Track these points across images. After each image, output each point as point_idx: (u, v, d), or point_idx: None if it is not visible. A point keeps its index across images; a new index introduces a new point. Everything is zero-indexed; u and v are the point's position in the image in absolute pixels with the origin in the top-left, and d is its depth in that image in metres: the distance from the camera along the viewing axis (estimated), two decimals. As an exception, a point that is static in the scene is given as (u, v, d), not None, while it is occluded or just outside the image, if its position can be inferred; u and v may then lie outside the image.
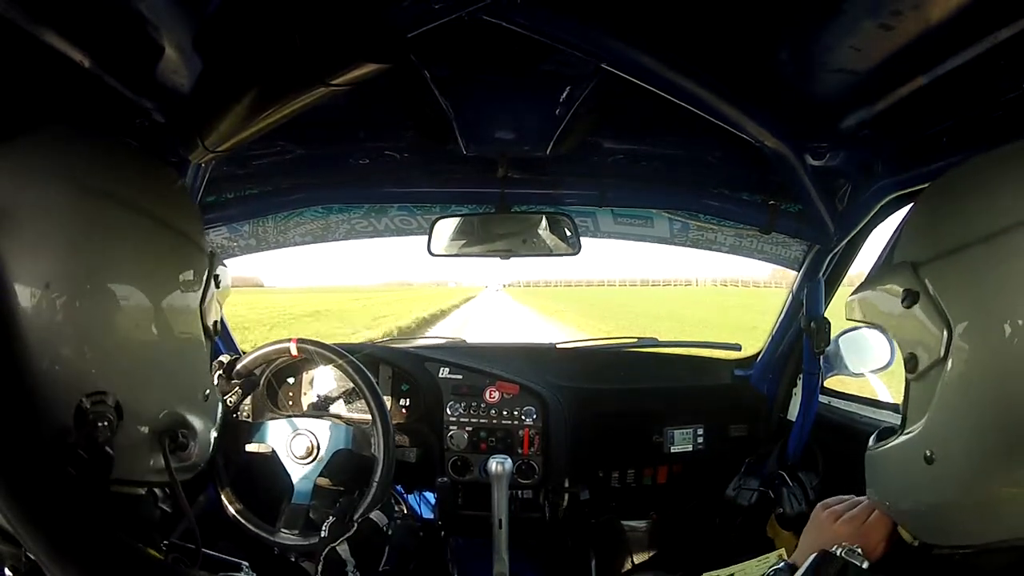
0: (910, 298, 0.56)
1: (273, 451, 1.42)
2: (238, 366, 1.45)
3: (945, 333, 0.53)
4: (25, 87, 0.70)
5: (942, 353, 0.54)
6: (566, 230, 1.54)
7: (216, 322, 0.69)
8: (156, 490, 0.65)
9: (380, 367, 1.69)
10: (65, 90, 0.75)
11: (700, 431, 1.74)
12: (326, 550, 1.22)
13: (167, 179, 0.68)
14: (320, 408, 1.65)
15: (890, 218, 1.22)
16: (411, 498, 1.73)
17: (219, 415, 0.73)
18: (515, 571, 1.52)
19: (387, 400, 1.63)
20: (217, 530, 1.41)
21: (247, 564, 0.76)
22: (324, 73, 0.65)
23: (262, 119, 0.75)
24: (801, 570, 0.65)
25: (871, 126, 1.01)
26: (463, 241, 1.56)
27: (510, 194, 1.53)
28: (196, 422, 0.66)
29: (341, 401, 1.66)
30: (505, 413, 1.68)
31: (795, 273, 1.65)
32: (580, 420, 1.69)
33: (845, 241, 1.34)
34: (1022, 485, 0.52)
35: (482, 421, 1.68)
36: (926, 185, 0.63)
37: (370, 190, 1.59)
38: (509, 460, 1.52)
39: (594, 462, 1.73)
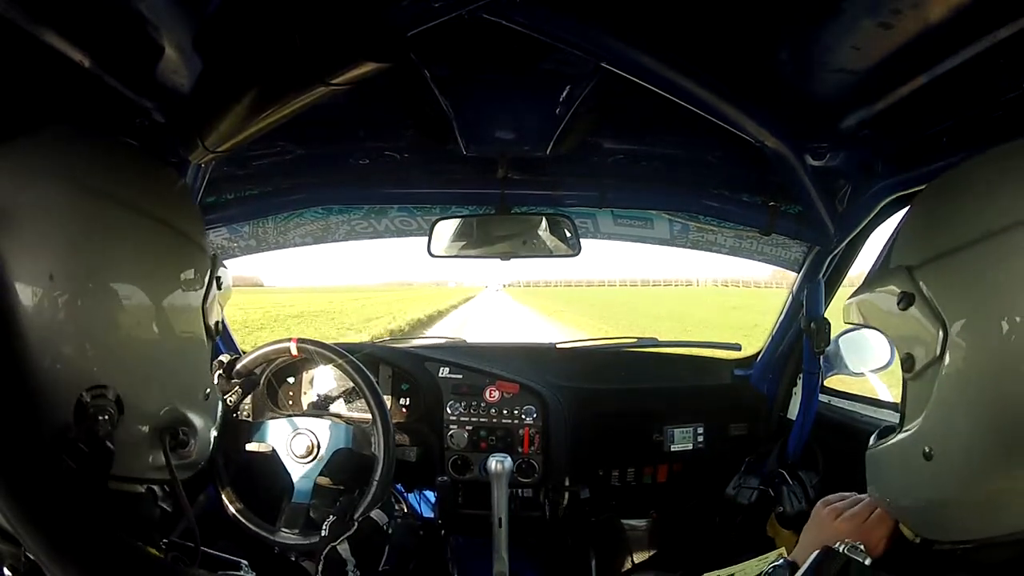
0: (906, 300, 0.57)
1: (273, 450, 1.43)
2: (238, 365, 1.45)
3: (941, 333, 0.54)
4: (25, 87, 0.70)
5: (938, 352, 0.55)
6: (566, 231, 1.54)
7: (218, 323, 0.69)
8: (156, 489, 0.65)
9: (380, 367, 1.70)
10: (65, 90, 0.75)
11: (700, 430, 1.74)
12: (327, 549, 1.22)
13: (167, 179, 0.69)
14: (320, 407, 1.65)
15: (890, 219, 1.22)
16: (411, 497, 1.73)
17: (219, 415, 0.74)
18: (515, 570, 1.52)
19: (387, 399, 1.63)
20: (217, 529, 1.41)
21: (246, 563, 0.76)
22: (324, 73, 0.65)
23: (262, 119, 0.75)
24: (804, 567, 0.65)
25: (871, 126, 1.01)
26: (463, 242, 1.56)
27: (510, 195, 1.53)
28: (196, 420, 0.67)
29: (341, 400, 1.66)
30: (505, 412, 1.68)
31: (795, 274, 1.65)
32: (580, 419, 1.70)
33: (845, 242, 1.33)
34: (1020, 480, 0.52)
35: (482, 420, 1.69)
36: (925, 186, 0.64)
37: (370, 190, 1.59)
38: (509, 459, 1.52)
39: (594, 461, 1.73)
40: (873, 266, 0.68)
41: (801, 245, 1.60)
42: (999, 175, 0.55)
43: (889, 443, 0.63)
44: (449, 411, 1.69)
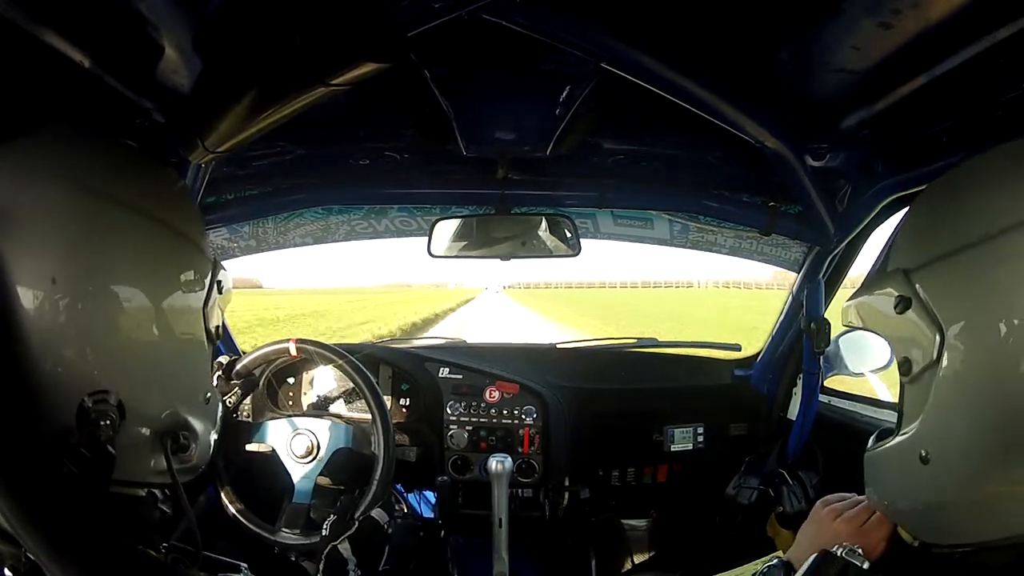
0: (903, 304, 0.57)
1: (273, 451, 1.43)
2: (237, 366, 1.45)
3: (937, 337, 0.54)
4: (25, 87, 0.70)
5: (935, 356, 0.55)
6: (566, 231, 1.54)
7: (218, 327, 0.69)
8: (156, 492, 0.65)
9: (380, 367, 1.70)
10: (65, 90, 0.75)
11: (700, 430, 1.74)
12: (327, 549, 1.22)
13: (167, 180, 0.68)
14: (320, 408, 1.65)
15: (890, 219, 1.22)
16: (411, 497, 1.73)
17: (219, 418, 0.73)
18: (515, 570, 1.52)
19: (387, 399, 1.63)
20: (217, 530, 1.41)
21: (246, 566, 0.76)
22: (324, 73, 0.65)
23: (262, 119, 0.75)
24: (801, 570, 0.65)
25: (871, 126, 1.01)
26: (463, 243, 1.56)
27: (510, 195, 1.53)
28: (197, 424, 0.66)
29: (341, 400, 1.66)
30: (505, 412, 1.68)
31: (795, 274, 1.65)
32: (580, 420, 1.70)
33: (845, 242, 1.33)
34: (1018, 483, 0.52)
35: (482, 420, 1.68)
36: (924, 188, 0.64)
37: (370, 191, 1.59)
38: (509, 459, 1.52)
39: (594, 461, 1.73)
40: (872, 268, 0.68)
41: (801, 245, 1.60)
42: (998, 176, 0.55)
43: (886, 446, 0.63)
44: (449, 411, 1.69)
